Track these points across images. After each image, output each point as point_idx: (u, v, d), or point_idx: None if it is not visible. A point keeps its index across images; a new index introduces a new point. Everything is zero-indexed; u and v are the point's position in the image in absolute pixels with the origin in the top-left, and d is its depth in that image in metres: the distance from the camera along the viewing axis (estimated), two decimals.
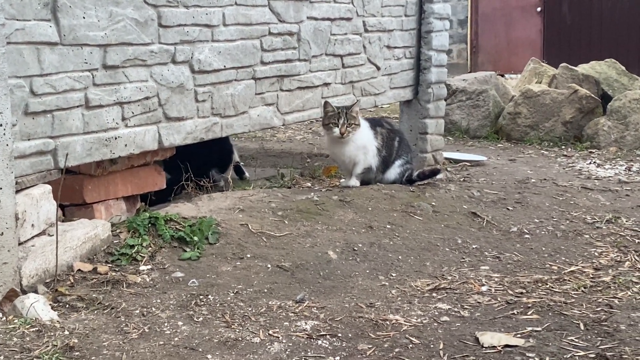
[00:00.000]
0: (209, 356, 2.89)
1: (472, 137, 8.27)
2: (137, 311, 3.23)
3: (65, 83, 3.62)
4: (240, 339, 3.03)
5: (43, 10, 3.49)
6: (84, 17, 3.66)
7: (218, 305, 3.34)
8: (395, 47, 6.05)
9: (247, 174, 5.82)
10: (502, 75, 11.16)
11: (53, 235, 3.44)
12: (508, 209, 5.03)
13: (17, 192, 3.31)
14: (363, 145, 5.01)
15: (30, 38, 3.43)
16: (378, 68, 5.90)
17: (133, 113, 3.99)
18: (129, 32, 3.90)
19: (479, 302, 3.52)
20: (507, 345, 3.02)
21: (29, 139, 3.47)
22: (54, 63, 3.55)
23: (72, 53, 3.63)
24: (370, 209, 4.63)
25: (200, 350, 2.93)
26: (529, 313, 3.37)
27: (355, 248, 4.11)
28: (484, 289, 3.69)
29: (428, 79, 6.26)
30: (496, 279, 3.83)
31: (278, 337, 3.06)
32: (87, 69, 3.72)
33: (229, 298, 3.42)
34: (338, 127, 4.85)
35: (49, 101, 3.55)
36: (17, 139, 3.38)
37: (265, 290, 3.54)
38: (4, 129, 3.16)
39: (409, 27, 6.16)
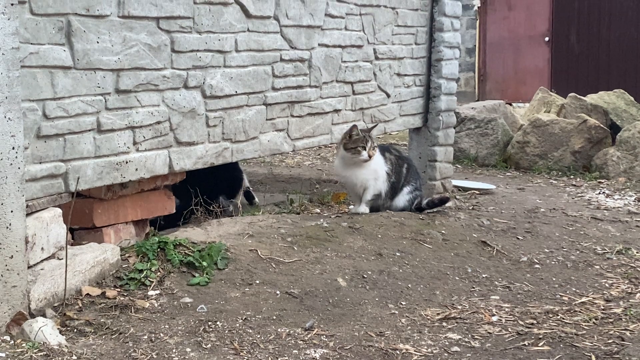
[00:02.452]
0: None
1: (480, 165, 8.27)
2: (145, 337, 3.21)
3: (77, 107, 3.62)
4: None
5: (57, 35, 3.50)
6: (97, 42, 3.68)
7: (227, 331, 3.32)
8: (406, 75, 6.06)
9: (256, 199, 5.82)
10: (510, 104, 11.20)
11: (62, 259, 3.43)
12: (518, 238, 5.01)
13: (28, 215, 3.30)
14: (375, 170, 5.02)
15: (44, 62, 3.44)
16: (388, 95, 5.91)
17: (144, 137, 3.99)
18: (142, 57, 3.92)
19: (489, 333, 3.49)
20: None
21: (40, 162, 3.48)
22: (67, 87, 3.56)
23: (85, 77, 3.65)
24: (379, 236, 4.61)
25: None
26: (540, 344, 3.34)
27: (365, 275, 4.08)
28: (494, 319, 3.66)
29: (438, 107, 6.28)
30: (507, 309, 3.80)
31: None
32: (100, 93, 3.73)
33: (237, 324, 3.40)
34: (366, 150, 4.88)
35: (61, 125, 3.55)
36: (28, 162, 3.38)
37: (274, 317, 3.52)
38: (17, 152, 3.17)
39: (419, 55, 6.19)
